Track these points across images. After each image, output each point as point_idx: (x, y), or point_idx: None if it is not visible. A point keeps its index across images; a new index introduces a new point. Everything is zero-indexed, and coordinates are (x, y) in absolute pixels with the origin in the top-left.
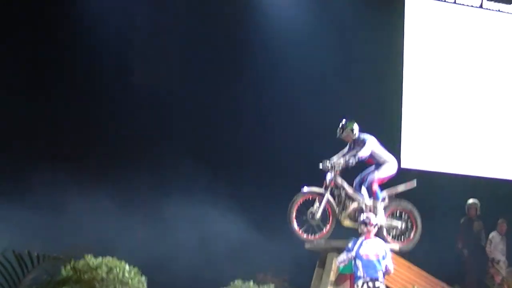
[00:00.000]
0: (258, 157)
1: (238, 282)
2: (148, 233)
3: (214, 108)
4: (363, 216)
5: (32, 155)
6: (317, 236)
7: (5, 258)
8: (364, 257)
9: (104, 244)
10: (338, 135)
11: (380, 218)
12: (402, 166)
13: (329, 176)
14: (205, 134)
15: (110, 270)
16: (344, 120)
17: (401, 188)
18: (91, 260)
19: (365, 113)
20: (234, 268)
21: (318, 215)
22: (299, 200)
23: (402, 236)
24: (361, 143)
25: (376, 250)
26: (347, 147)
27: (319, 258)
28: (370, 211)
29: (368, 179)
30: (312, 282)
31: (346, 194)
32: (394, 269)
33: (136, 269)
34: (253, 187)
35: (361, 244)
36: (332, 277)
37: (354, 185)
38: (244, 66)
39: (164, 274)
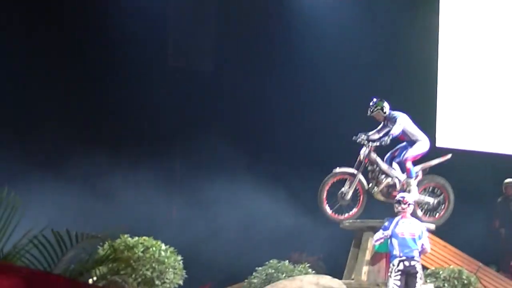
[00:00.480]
0: (294, 139)
1: (273, 262)
2: (186, 215)
3: (251, 91)
4: (398, 196)
5: (70, 137)
6: (346, 216)
7: (44, 237)
8: (400, 236)
9: (142, 225)
10: (369, 113)
11: (413, 195)
12: (438, 145)
13: (363, 151)
14: (242, 117)
15: (146, 249)
16: (374, 99)
17: (435, 161)
18: (127, 239)
19: (400, 92)
20: (270, 248)
21: (349, 195)
22: (330, 181)
23: (434, 212)
24: (392, 120)
25: (412, 229)
26: (381, 125)
27: (354, 238)
28: (403, 187)
29: (401, 156)
30: (348, 261)
31: (380, 170)
32: (430, 248)
33: (172, 249)
34: (288, 168)
35: (397, 223)
36: (368, 256)
37: (385, 160)
38: (281, 53)
39: (202, 255)
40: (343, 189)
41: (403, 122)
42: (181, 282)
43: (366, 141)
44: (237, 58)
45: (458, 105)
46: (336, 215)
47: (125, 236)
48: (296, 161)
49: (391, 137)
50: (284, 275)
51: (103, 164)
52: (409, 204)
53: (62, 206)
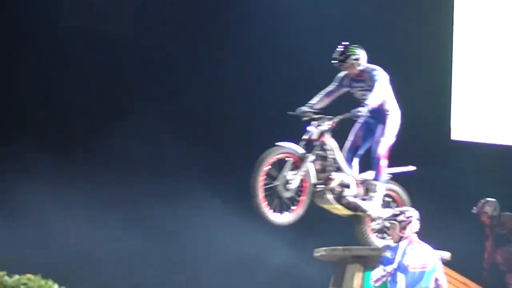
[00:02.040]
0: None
1: None
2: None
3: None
4: (396, 211)
5: None
6: (286, 214)
7: None
8: (410, 270)
9: (24, 257)
10: (337, 64)
11: (376, 206)
12: (452, 137)
13: (314, 130)
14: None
15: None
16: (342, 45)
17: (395, 170)
18: (3, 278)
19: (412, 81)
20: None
21: (295, 184)
22: (270, 159)
23: (384, 231)
24: (369, 79)
25: (424, 260)
26: (337, 83)
27: (334, 274)
28: (362, 192)
29: (376, 150)
30: None
31: (334, 160)
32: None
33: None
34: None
35: (404, 252)
36: None
37: (347, 150)
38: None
39: None
40: (286, 173)
41: (385, 84)
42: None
43: (316, 117)
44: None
45: (475, 95)
46: (275, 213)
47: (1, 273)
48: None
49: (367, 108)
50: None
51: None
52: (410, 221)
53: None
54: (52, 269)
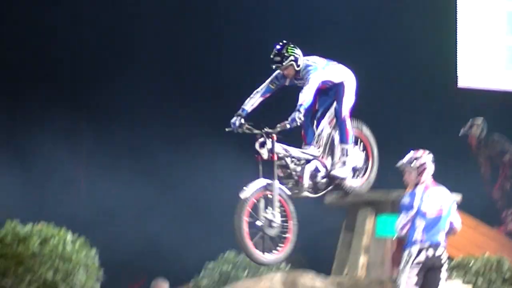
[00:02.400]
0: None
1: (229, 254)
2: (102, 191)
3: None
4: (408, 157)
5: None
6: (275, 252)
7: None
8: (428, 215)
9: (37, 207)
10: (275, 65)
11: (348, 170)
12: (460, 85)
13: (262, 151)
14: None
15: (44, 241)
16: (280, 45)
17: None
18: (16, 227)
19: (417, 30)
20: (225, 235)
21: (277, 218)
22: (246, 210)
23: (356, 174)
24: (303, 77)
25: (441, 204)
26: (275, 83)
27: (346, 218)
28: (333, 161)
29: (340, 113)
30: (337, 251)
31: (293, 159)
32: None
33: (82, 240)
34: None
35: (422, 198)
36: (366, 242)
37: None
38: None
39: (127, 247)
40: (264, 214)
41: (317, 77)
42: (97, 286)
43: (262, 132)
44: None
45: (481, 41)
46: (264, 254)
47: (13, 223)
48: None
49: (302, 111)
50: (245, 272)
51: None
52: (426, 166)
53: None
54: (65, 219)
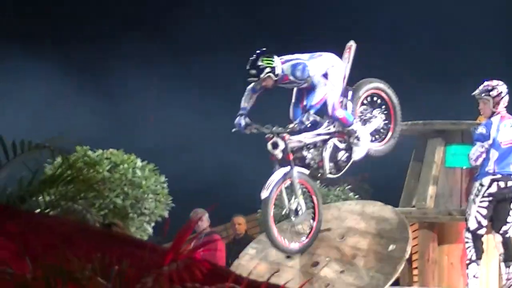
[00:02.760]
0: None
1: None
2: (172, 118)
3: None
4: (484, 86)
5: None
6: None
7: None
8: (503, 146)
9: (108, 134)
10: (251, 78)
11: (363, 146)
12: None
13: (276, 152)
14: None
15: (114, 166)
16: (257, 54)
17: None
18: (87, 152)
19: None
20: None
21: (302, 204)
22: (270, 208)
23: (378, 134)
24: (298, 77)
25: None
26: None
27: (415, 148)
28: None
29: (329, 108)
30: (406, 181)
31: (309, 147)
32: None
33: (151, 166)
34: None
35: (498, 128)
36: (435, 172)
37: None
38: None
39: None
40: (288, 203)
41: (320, 73)
42: (166, 214)
43: (274, 135)
44: None
45: None
46: (288, 243)
47: (84, 148)
48: None
49: (312, 112)
50: None
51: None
52: (502, 96)
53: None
54: (136, 146)
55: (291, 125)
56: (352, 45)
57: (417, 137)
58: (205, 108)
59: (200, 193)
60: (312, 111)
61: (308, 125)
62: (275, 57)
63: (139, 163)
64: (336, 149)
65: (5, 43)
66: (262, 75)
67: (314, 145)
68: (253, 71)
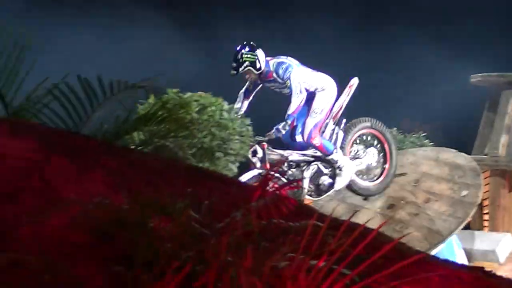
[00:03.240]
0: None
1: None
2: None
3: None
4: None
5: None
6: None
7: (68, 86)
8: None
9: (195, 77)
10: (232, 73)
11: (345, 175)
12: None
13: (254, 155)
14: None
15: (203, 108)
16: (240, 48)
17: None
18: (178, 94)
19: None
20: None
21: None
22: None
23: (371, 173)
24: (280, 77)
25: None
26: (251, 83)
27: (489, 98)
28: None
29: (304, 135)
30: (479, 130)
31: (291, 164)
32: None
33: (237, 108)
34: None
35: None
36: (508, 121)
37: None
38: None
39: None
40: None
41: (298, 80)
42: (250, 154)
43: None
44: None
45: None
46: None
47: (175, 90)
48: None
49: (289, 121)
50: None
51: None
52: None
53: (90, 47)
54: (223, 89)
55: (267, 133)
56: (355, 82)
57: (491, 88)
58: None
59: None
60: (288, 121)
61: (284, 133)
62: (259, 51)
63: (226, 106)
64: (319, 173)
65: None
66: (241, 69)
67: (298, 164)
68: (234, 64)
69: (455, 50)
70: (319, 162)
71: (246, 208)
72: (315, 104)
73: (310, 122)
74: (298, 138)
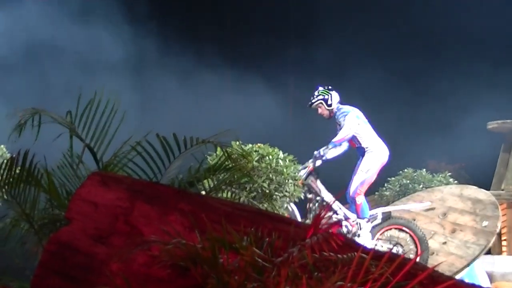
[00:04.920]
0: None
1: (408, 171)
2: (305, 118)
3: None
4: None
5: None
6: None
7: (149, 143)
8: None
9: (254, 131)
10: (309, 104)
11: (362, 241)
12: None
13: (302, 172)
14: None
15: (261, 157)
16: (318, 86)
17: (408, 207)
18: (239, 146)
19: None
20: (403, 155)
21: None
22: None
23: None
24: (340, 120)
25: None
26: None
27: (504, 141)
28: (351, 230)
29: (349, 190)
30: (496, 169)
31: (322, 201)
32: None
33: (291, 157)
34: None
35: None
36: None
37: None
38: None
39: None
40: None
41: (353, 123)
42: (302, 195)
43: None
44: None
45: None
46: None
47: (237, 142)
48: None
49: (331, 147)
50: (421, 185)
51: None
52: None
53: (165, 107)
54: (277, 140)
55: (315, 160)
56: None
57: (506, 133)
58: None
59: (327, 178)
60: (330, 146)
61: (324, 158)
62: (334, 92)
63: (281, 154)
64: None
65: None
66: (314, 100)
67: (322, 201)
68: (311, 98)
69: (473, 96)
70: (345, 221)
71: (301, 244)
72: (364, 162)
73: (357, 179)
74: (356, 225)
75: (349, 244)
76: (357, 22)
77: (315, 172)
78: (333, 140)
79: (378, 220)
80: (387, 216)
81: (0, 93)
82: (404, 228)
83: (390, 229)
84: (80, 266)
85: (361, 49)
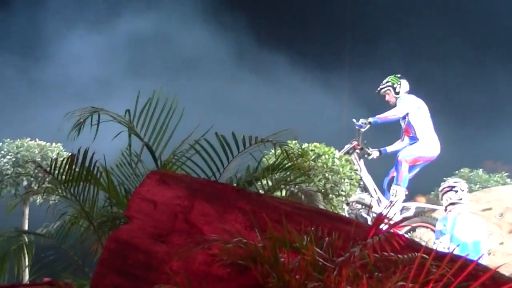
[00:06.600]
0: None
1: (464, 171)
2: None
3: None
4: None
5: None
6: None
7: (207, 141)
8: None
9: (310, 130)
10: (377, 90)
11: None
12: None
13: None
14: None
15: (318, 157)
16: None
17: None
18: (296, 145)
19: None
20: (458, 155)
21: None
22: None
23: None
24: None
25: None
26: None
27: None
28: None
29: (399, 154)
30: None
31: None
32: None
33: (347, 156)
34: None
35: None
36: None
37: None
38: None
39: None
40: None
41: (409, 107)
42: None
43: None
44: None
45: None
46: None
47: (294, 142)
48: None
49: (370, 120)
50: (477, 186)
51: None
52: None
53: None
54: (332, 139)
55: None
56: None
57: None
58: None
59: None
60: (370, 119)
61: (362, 127)
62: (404, 81)
63: (337, 154)
64: (361, 205)
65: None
66: (382, 86)
67: (364, 187)
68: (380, 85)
69: None
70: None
71: (363, 244)
72: (412, 147)
73: (409, 150)
74: (392, 190)
75: (410, 245)
76: (424, 23)
77: (361, 152)
78: (386, 115)
79: (410, 213)
80: (419, 213)
81: None
82: (431, 227)
83: (418, 226)
84: (139, 264)
85: (425, 51)
